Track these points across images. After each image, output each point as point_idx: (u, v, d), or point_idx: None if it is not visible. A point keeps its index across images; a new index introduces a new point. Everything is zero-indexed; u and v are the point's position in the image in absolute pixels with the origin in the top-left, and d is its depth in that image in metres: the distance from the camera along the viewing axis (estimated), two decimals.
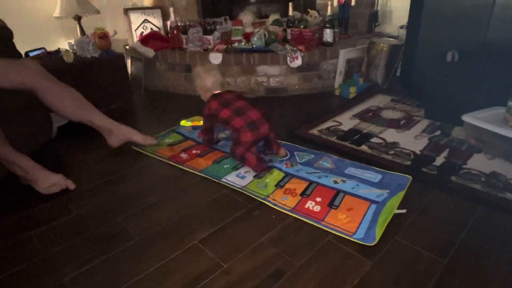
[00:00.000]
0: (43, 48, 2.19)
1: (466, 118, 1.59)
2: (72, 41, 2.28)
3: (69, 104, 1.48)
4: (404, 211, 1.18)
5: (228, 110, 1.52)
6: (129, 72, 2.64)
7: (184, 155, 1.62)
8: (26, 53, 2.10)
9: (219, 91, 1.63)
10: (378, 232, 1.08)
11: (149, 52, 2.50)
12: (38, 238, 1.13)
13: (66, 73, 2.04)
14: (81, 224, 1.19)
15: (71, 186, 1.39)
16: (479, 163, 1.47)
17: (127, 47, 2.78)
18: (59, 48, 2.22)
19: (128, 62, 2.67)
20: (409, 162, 1.49)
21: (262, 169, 1.46)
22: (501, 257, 1.00)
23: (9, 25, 1.63)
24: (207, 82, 1.63)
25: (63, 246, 1.09)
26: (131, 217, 1.22)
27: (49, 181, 1.35)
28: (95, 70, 2.18)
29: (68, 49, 2.23)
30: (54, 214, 1.25)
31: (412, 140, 1.69)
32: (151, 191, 1.36)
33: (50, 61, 2.06)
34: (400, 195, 1.26)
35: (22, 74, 1.39)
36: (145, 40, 2.55)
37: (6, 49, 1.56)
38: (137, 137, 1.66)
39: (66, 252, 1.07)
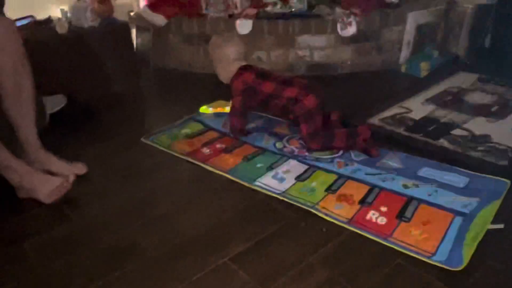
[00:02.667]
0: (31, 16, 2.26)
1: None
2: (66, 8, 2.35)
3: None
4: (501, 226, 1.16)
5: (271, 83, 1.57)
6: (135, 45, 2.69)
7: (206, 151, 1.64)
8: None
9: (246, 64, 1.65)
10: (466, 253, 1.06)
11: (160, 19, 2.54)
12: (33, 251, 1.18)
13: (58, 47, 2.12)
14: (82, 235, 1.24)
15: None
16: None
17: (132, 14, 2.84)
18: (50, 16, 2.29)
19: (134, 33, 2.73)
20: (505, 162, 1.47)
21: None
22: None
23: None
24: (230, 52, 1.66)
25: (62, 261, 1.13)
26: (143, 228, 1.25)
27: (49, 186, 1.39)
28: (94, 43, 2.23)
29: (61, 17, 2.30)
30: (51, 222, 1.29)
31: (508, 133, 1.67)
32: (167, 196, 1.39)
33: (40, 32, 2.13)
34: (495, 205, 1.24)
35: None
36: (155, 4, 2.59)
37: None
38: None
39: (65, 269, 1.10)
